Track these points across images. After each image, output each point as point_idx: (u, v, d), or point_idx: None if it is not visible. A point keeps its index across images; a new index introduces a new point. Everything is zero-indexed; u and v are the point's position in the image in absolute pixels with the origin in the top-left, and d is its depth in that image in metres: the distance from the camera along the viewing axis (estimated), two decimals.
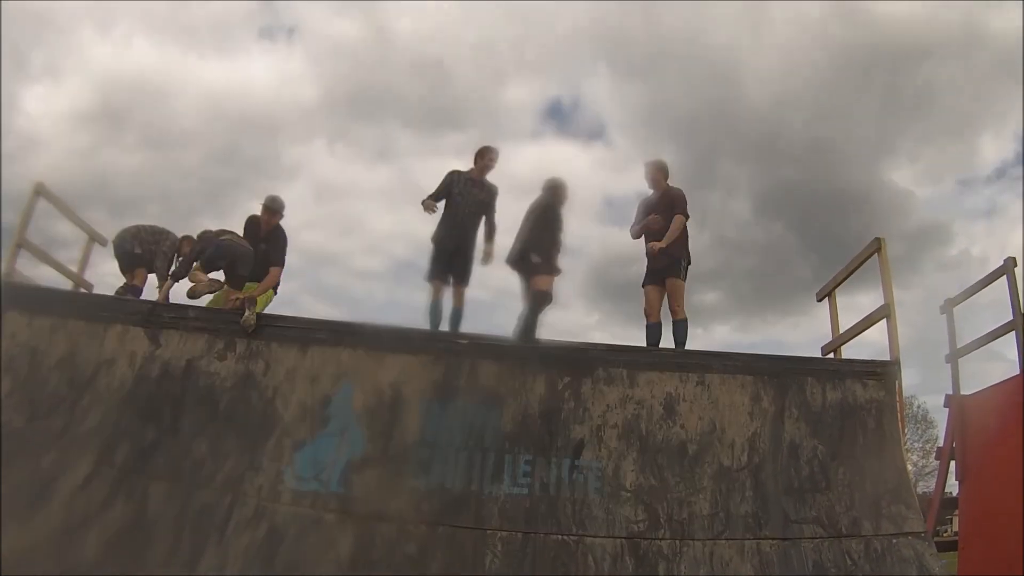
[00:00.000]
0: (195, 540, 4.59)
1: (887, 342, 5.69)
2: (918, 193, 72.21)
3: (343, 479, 4.92)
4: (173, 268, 6.28)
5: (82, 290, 6.59)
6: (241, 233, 6.32)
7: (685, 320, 6.11)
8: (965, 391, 6.69)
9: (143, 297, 6.21)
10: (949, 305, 6.90)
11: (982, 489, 6.20)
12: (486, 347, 5.50)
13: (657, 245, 6.10)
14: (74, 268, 6.81)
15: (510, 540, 4.78)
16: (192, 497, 4.77)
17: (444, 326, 6.08)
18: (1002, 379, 6.28)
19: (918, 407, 27.97)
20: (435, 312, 6.11)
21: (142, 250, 6.43)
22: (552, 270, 5.87)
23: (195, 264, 6.11)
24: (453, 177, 6.35)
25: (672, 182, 6.54)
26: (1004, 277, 6.24)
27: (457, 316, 6.16)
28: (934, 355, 7.33)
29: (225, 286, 6.13)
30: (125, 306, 5.62)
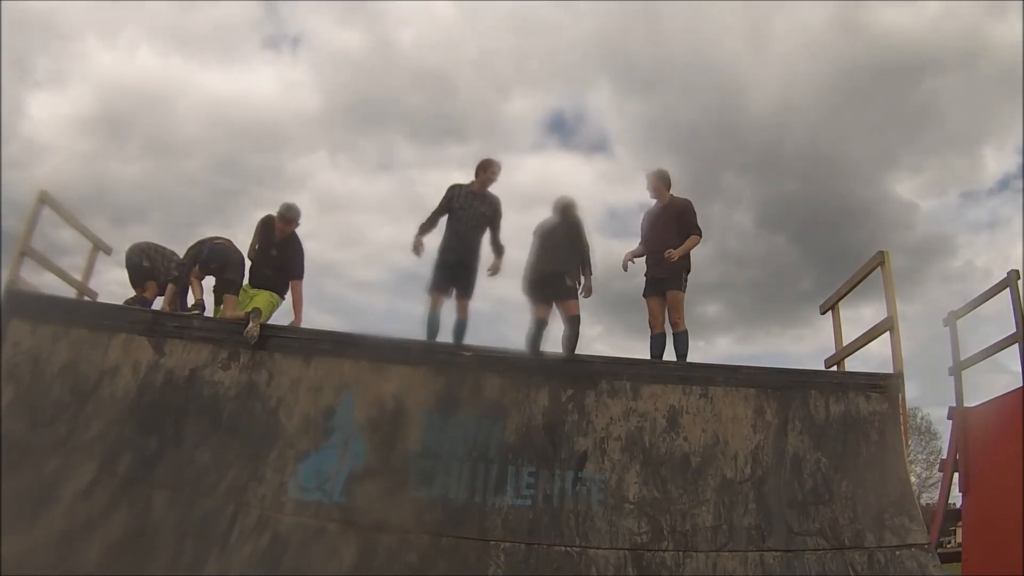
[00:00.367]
0: (198, 549, 4.60)
1: (890, 354, 5.68)
2: (922, 205, 72.23)
3: (346, 489, 4.92)
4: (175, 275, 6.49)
5: (86, 298, 6.59)
6: (255, 234, 6.40)
7: (685, 332, 6.11)
8: (968, 403, 6.68)
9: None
10: (952, 318, 6.89)
11: (985, 501, 6.18)
12: (489, 359, 5.50)
13: (675, 252, 6.07)
14: (78, 276, 6.81)
15: (513, 551, 4.77)
16: (195, 506, 4.78)
17: (441, 338, 6.07)
18: (1005, 391, 6.26)
19: (921, 419, 27.95)
20: (432, 324, 6.07)
21: (150, 264, 6.59)
22: (579, 293, 5.94)
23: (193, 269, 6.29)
24: (454, 191, 6.33)
25: (674, 193, 6.55)
26: (1007, 289, 6.22)
27: (461, 328, 6.13)
28: (937, 367, 7.31)
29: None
30: (129, 315, 5.63)
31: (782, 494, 5.12)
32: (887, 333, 5.77)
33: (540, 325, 5.81)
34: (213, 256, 6.22)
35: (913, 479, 8.43)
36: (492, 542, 4.80)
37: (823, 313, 6.86)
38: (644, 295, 6.35)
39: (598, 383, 5.35)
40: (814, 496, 5.13)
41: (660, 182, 6.54)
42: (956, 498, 6.95)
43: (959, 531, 8.29)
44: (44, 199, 6.04)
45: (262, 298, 6.02)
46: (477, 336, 6.07)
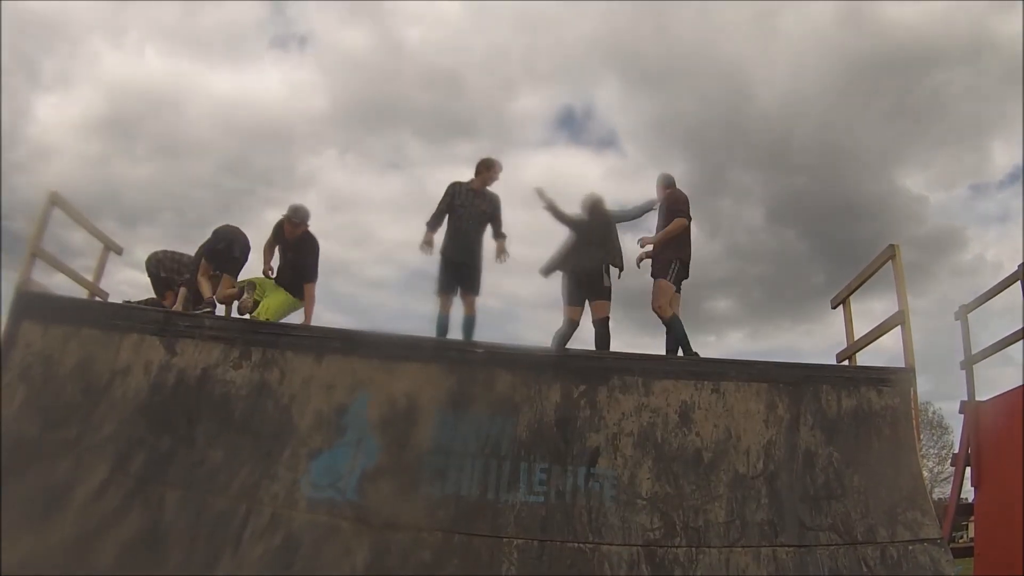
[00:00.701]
0: (211, 548, 4.59)
1: (902, 349, 5.67)
2: (931, 199, 71.92)
3: (359, 487, 4.92)
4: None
5: (97, 299, 6.61)
6: (270, 237, 6.52)
7: (674, 318, 6.16)
8: (980, 397, 6.66)
9: None
10: (964, 311, 6.87)
11: (998, 495, 6.15)
12: (501, 355, 5.50)
13: (646, 239, 6.17)
14: (89, 276, 6.83)
15: (526, 548, 4.77)
16: (208, 505, 4.78)
17: (451, 336, 6.10)
18: (1017, 384, 6.24)
19: (933, 413, 27.92)
20: (442, 324, 6.12)
21: (167, 274, 6.84)
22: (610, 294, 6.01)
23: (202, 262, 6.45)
24: (455, 188, 6.37)
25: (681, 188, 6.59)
26: (1018, 283, 6.20)
27: (469, 324, 6.17)
28: (949, 361, 7.30)
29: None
30: (140, 315, 5.64)
31: (794, 489, 5.11)
32: (898, 327, 5.75)
33: (572, 327, 5.84)
34: (218, 237, 6.36)
35: (925, 473, 8.40)
36: (505, 539, 4.79)
37: (834, 308, 6.84)
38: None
39: (610, 379, 5.34)
40: (826, 491, 5.12)
41: (659, 184, 6.71)
42: (968, 492, 6.93)
43: (971, 526, 8.25)
44: (54, 200, 6.05)
45: (278, 296, 6.06)
46: (489, 333, 6.10)
